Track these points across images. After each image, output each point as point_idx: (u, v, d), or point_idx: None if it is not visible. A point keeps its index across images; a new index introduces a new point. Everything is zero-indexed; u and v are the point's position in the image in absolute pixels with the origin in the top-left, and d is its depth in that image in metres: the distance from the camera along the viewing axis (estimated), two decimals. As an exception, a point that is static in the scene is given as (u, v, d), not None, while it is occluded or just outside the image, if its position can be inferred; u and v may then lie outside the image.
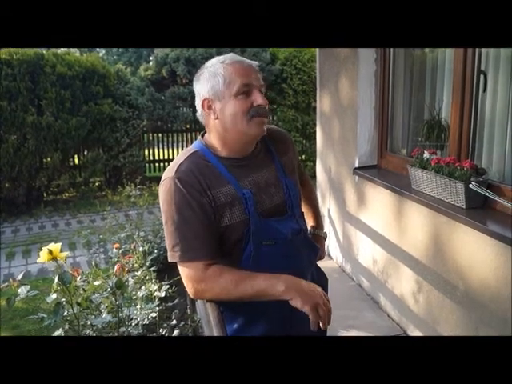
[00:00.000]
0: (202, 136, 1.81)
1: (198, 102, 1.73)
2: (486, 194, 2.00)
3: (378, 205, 3.87)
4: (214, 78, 1.66)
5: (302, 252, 1.82)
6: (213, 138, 1.74)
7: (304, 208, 2.03)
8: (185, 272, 1.68)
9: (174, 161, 1.74)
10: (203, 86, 1.69)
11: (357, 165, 4.17)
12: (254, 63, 1.72)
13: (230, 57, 1.69)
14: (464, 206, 2.82)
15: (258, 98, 1.67)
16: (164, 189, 1.67)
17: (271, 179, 1.78)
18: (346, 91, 4.30)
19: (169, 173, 1.68)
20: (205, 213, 1.64)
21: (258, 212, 1.70)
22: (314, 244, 1.94)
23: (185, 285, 1.71)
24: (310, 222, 2.15)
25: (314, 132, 5.64)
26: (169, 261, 1.70)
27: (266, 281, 1.60)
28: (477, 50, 2.91)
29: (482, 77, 3.02)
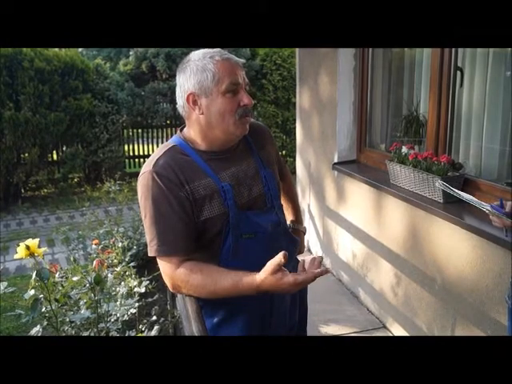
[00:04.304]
0: (181, 130, 1.80)
1: (180, 95, 1.71)
2: (453, 193, 2.00)
3: (357, 199, 3.90)
4: (202, 73, 1.64)
5: (281, 245, 1.81)
6: (193, 131, 1.73)
7: (283, 202, 2.04)
8: (161, 266, 1.69)
9: (152, 155, 1.73)
10: (189, 80, 1.66)
11: (336, 160, 4.20)
12: (241, 61, 1.71)
13: (218, 53, 1.67)
14: (441, 201, 2.85)
15: (245, 98, 1.67)
16: (142, 183, 1.66)
17: (250, 172, 1.79)
18: (326, 87, 4.32)
19: (147, 167, 1.67)
20: (182, 207, 1.64)
21: (238, 205, 1.70)
22: (293, 236, 1.95)
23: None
24: (289, 217, 2.15)
25: (294, 127, 5.66)
26: (148, 255, 1.71)
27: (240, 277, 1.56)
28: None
29: (458, 73, 3.05)
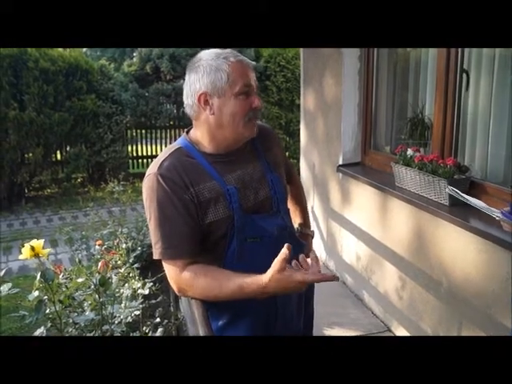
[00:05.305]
0: (187, 132, 1.79)
1: (190, 94, 1.68)
2: (463, 199, 1.99)
3: (362, 202, 3.88)
4: (215, 74, 1.62)
5: None
6: (200, 132, 1.71)
7: (291, 206, 2.02)
8: (166, 269, 1.68)
9: (157, 157, 1.72)
10: (202, 79, 1.64)
11: (341, 162, 4.18)
12: (252, 63, 1.70)
13: (232, 54, 1.65)
14: (447, 203, 2.83)
15: (256, 101, 1.66)
16: (147, 185, 1.65)
17: (256, 175, 1.77)
18: (330, 89, 4.30)
19: (152, 169, 1.66)
20: (187, 210, 1.63)
21: (243, 208, 1.68)
22: (299, 241, 1.93)
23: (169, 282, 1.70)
24: (297, 220, 2.13)
25: (298, 129, 5.65)
26: (153, 257, 1.70)
27: (245, 279, 1.54)
28: (460, 48, 2.93)
29: (464, 75, 3.04)
